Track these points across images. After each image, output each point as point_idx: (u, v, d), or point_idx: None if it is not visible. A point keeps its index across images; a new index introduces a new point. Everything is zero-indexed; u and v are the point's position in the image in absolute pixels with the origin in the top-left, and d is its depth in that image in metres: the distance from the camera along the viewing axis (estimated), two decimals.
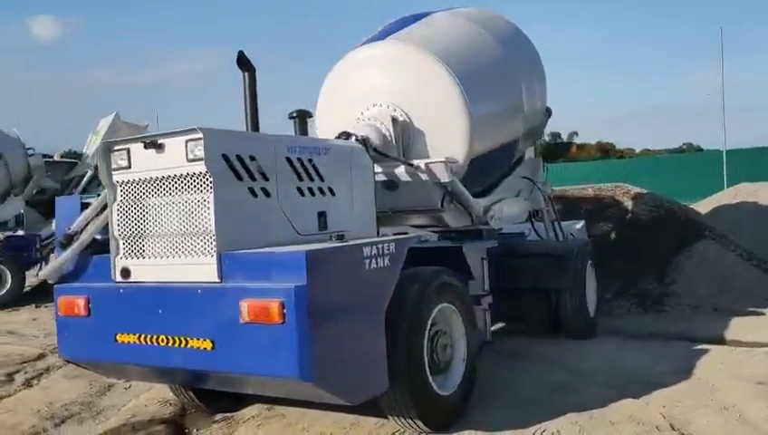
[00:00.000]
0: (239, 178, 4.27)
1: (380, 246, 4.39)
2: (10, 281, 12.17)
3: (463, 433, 4.71)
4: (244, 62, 5.05)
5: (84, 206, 4.92)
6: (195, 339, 4.11)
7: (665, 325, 8.08)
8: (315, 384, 3.87)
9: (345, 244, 4.26)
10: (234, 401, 5.43)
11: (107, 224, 4.59)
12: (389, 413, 4.70)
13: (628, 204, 11.45)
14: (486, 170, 6.82)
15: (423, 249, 5.74)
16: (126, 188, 4.50)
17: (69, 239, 4.73)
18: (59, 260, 4.70)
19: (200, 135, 4.09)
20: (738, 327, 7.74)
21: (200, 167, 4.13)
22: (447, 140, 6.14)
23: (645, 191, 11.88)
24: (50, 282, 4.82)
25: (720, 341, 7.27)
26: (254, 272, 4.00)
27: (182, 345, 4.16)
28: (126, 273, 4.51)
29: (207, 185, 4.14)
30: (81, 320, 4.60)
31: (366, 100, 6.23)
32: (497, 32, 7.02)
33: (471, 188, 6.53)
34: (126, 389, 6.27)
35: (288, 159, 4.64)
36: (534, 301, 7.51)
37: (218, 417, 5.35)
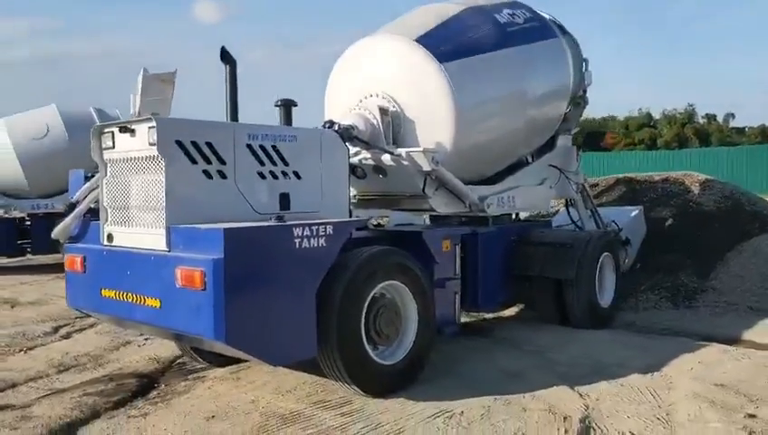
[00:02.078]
0: (193, 161, 4.89)
1: (315, 227, 4.86)
2: None
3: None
4: (226, 56, 5.63)
5: (87, 178, 5.76)
6: (149, 298, 4.83)
7: (684, 323, 7.89)
8: (230, 345, 4.46)
9: (271, 223, 4.77)
10: (229, 359, 5.96)
11: None
12: (328, 375, 5.21)
13: (695, 193, 10.96)
14: None
15: (389, 232, 6.11)
16: (113, 165, 5.28)
17: (71, 207, 5.61)
18: (62, 224, 5.58)
19: (154, 123, 4.74)
20: (763, 328, 7.46)
21: (156, 151, 4.79)
22: (435, 128, 6.43)
23: (713, 179, 11.30)
24: (61, 241, 5.73)
25: (733, 341, 7.04)
26: (191, 244, 4.62)
27: (141, 302, 4.89)
28: (110, 237, 5.31)
29: (160, 166, 4.80)
30: (79, 276, 5.47)
31: (363, 89, 6.65)
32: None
33: (466, 175, 6.80)
34: (140, 346, 7.06)
35: (249, 146, 5.20)
36: (544, 289, 7.60)
37: (191, 376, 6.01)
